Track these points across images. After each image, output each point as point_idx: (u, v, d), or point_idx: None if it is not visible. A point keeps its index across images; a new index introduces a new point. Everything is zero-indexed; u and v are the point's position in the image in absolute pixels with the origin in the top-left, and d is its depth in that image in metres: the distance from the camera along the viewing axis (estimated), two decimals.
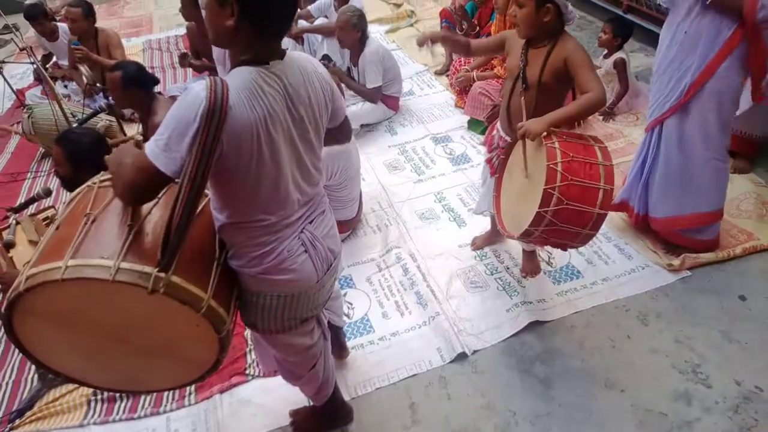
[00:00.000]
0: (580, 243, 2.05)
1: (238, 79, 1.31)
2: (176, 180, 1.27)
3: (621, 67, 3.82)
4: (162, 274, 1.33)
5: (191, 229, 1.33)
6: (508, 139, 2.33)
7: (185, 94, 1.27)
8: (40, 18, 4.83)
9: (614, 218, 3.00)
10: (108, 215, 1.44)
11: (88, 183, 1.58)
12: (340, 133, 1.74)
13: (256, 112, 1.30)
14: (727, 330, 2.38)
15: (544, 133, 1.96)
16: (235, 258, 1.53)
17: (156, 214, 1.44)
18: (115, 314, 1.42)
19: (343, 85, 3.90)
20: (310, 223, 1.59)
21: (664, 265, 2.68)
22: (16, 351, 2.63)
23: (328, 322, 2.07)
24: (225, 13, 1.31)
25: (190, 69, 5.27)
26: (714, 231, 2.69)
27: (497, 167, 2.36)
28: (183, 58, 4.66)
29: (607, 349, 2.37)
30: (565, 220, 1.93)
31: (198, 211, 1.50)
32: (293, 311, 1.62)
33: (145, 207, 1.44)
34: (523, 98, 2.18)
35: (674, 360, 2.29)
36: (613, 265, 2.74)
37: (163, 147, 1.26)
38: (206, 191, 1.44)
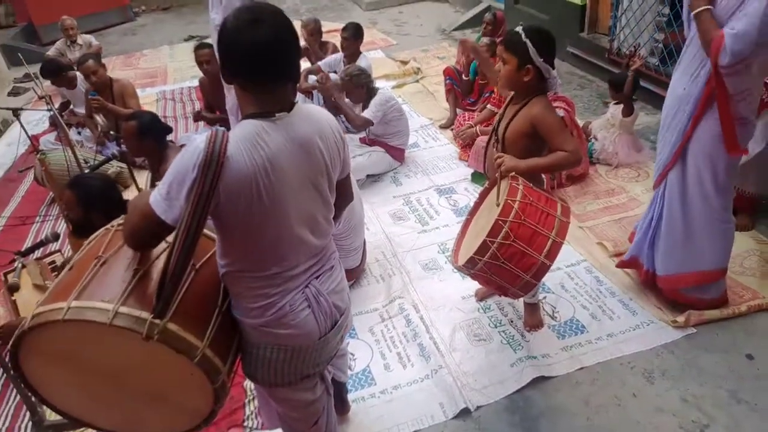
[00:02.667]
0: (521, 290, 2.09)
1: (240, 131, 1.35)
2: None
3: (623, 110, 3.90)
4: (157, 321, 1.33)
5: (196, 276, 1.35)
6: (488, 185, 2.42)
7: (188, 146, 1.32)
8: (57, 75, 5.02)
9: (619, 274, 3.00)
10: (118, 258, 1.47)
11: (107, 226, 1.62)
12: (338, 194, 1.65)
13: (256, 163, 1.32)
14: (735, 390, 2.34)
15: (513, 174, 2.08)
16: (237, 308, 1.52)
17: (163, 258, 1.45)
18: (113, 357, 1.43)
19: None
20: (317, 278, 1.56)
21: (669, 321, 2.66)
22: (12, 398, 2.61)
23: (332, 378, 2.03)
24: (224, 72, 1.40)
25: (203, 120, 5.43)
26: (718, 289, 2.68)
27: (472, 210, 2.45)
28: (197, 114, 4.83)
29: (613, 408, 2.32)
30: (509, 258, 1.97)
31: (206, 258, 1.53)
32: (294, 366, 1.58)
33: (155, 252, 1.46)
34: (495, 149, 2.31)
35: (681, 420, 2.24)
36: (617, 321, 2.72)
37: (165, 195, 1.31)
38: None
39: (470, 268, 2.09)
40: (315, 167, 1.47)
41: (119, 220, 1.61)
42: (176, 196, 1.29)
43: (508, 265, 1.97)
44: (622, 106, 3.96)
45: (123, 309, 1.33)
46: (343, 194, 1.69)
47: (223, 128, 1.32)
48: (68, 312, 1.32)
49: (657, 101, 4.75)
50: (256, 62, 1.35)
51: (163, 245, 1.46)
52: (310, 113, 1.49)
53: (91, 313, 1.33)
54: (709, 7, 2.15)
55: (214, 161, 1.25)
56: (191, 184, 1.26)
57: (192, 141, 1.31)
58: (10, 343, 1.40)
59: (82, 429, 2.39)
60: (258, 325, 1.50)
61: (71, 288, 1.39)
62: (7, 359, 1.53)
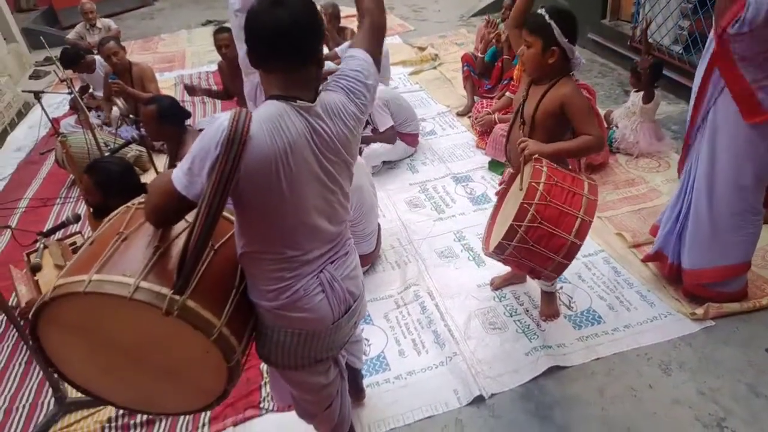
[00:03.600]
0: (553, 271, 2.07)
1: (263, 112, 1.36)
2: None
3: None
4: (177, 297, 1.35)
5: (215, 257, 1.35)
6: (512, 171, 2.39)
7: (211, 124, 1.32)
8: (77, 63, 5.06)
9: (637, 265, 2.98)
10: (139, 235, 1.48)
11: (127, 204, 1.63)
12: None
13: (277, 145, 1.33)
14: (754, 384, 2.31)
15: (536, 156, 2.06)
16: (252, 290, 1.53)
17: (183, 237, 1.47)
18: (131, 332, 1.44)
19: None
20: (331, 263, 1.57)
21: (687, 313, 2.63)
22: (36, 374, 2.67)
23: (346, 364, 2.05)
24: (249, 57, 1.41)
25: (220, 103, 5.45)
26: (740, 283, 2.63)
27: (500, 196, 2.44)
28: (189, 89, 4.67)
29: (629, 399, 2.31)
30: (537, 240, 1.95)
31: (224, 239, 1.54)
32: (307, 350, 1.60)
33: (176, 230, 1.48)
34: (521, 131, 2.28)
35: (698, 412, 2.23)
36: (635, 312, 2.70)
37: (186, 172, 1.32)
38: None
39: (500, 254, 2.08)
40: (333, 154, 1.47)
41: (140, 199, 1.63)
42: (198, 172, 1.30)
43: (538, 247, 1.96)
44: (642, 93, 3.89)
45: (144, 284, 1.34)
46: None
47: (246, 108, 1.33)
48: (89, 285, 1.34)
49: (679, 90, 4.67)
50: (278, 44, 1.36)
51: (183, 224, 1.47)
52: (331, 101, 1.48)
53: (111, 287, 1.34)
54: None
55: (237, 139, 1.26)
56: (214, 161, 1.27)
57: (215, 120, 1.31)
58: (31, 313, 1.42)
59: (102, 407, 2.46)
60: (273, 308, 1.51)
61: (92, 262, 1.40)
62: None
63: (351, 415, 2.02)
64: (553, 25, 2.07)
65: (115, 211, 1.63)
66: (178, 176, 1.33)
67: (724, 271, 2.55)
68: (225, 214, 1.59)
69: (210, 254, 1.48)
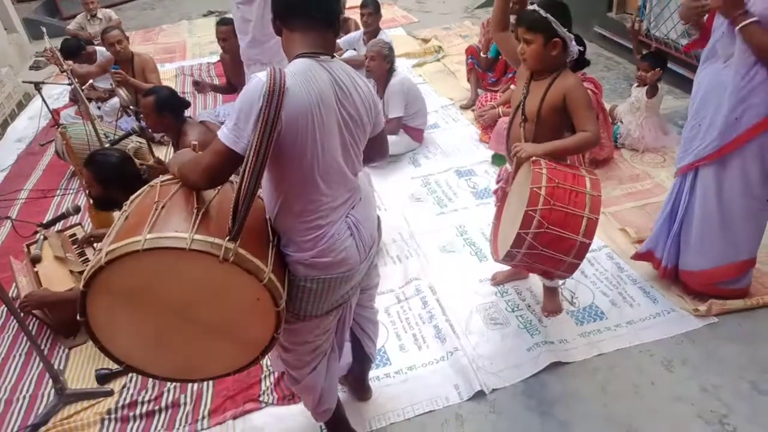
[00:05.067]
0: (566, 271, 2.07)
1: (294, 67, 1.48)
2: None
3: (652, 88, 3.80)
4: (231, 244, 1.42)
5: (251, 212, 1.44)
6: (511, 169, 2.37)
7: (249, 83, 1.43)
8: (77, 54, 5.04)
9: (640, 261, 2.95)
10: (175, 203, 1.55)
11: (150, 183, 1.69)
12: (372, 148, 1.77)
13: (311, 95, 1.44)
14: (757, 381, 2.30)
15: (534, 158, 2.05)
16: (288, 245, 1.61)
17: (217, 200, 1.57)
18: (183, 289, 1.49)
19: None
20: (353, 208, 1.68)
21: (691, 310, 2.62)
22: (36, 365, 2.67)
23: (362, 351, 2.12)
24: (273, 23, 1.59)
25: (221, 95, 5.42)
26: (748, 280, 2.61)
27: (500, 197, 2.42)
28: (197, 84, 4.68)
29: (630, 395, 2.30)
30: (547, 245, 1.94)
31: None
32: (333, 295, 1.69)
33: (209, 194, 1.57)
34: (522, 129, 2.25)
35: (700, 409, 2.21)
36: (638, 308, 2.68)
37: (233, 128, 1.43)
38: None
39: (510, 261, 2.09)
40: (352, 110, 1.58)
41: (162, 177, 1.68)
42: (244, 126, 1.41)
43: (548, 251, 1.96)
44: (645, 88, 3.85)
45: (197, 236, 1.41)
46: (378, 147, 1.82)
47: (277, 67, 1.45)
48: (146, 242, 1.39)
49: (685, 84, 4.63)
50: (305, 3, 1.52)
51: (213, 191, 1.58)
52: (347, 67, 1.61)
53: (168, 242, 1.40)
54: (757, 18, 2.02)
55: (276, 91, 1.37)
56: (258, 113, 1.37)
57: (252, 78, 1.42)
58: (81, 283, 1.43)
59: (102, 399, 2.46)
60: (310, 257, 1.59)
61: (139, 227, 1.44)
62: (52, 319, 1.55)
63: (337, 392, 2.06)
64: (550, 18, 2.07)
65: (140, 191, 1.68)
66: (226, 134, 1.43)
67: (735, 267, 2.51)
68: None
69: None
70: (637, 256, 2.83)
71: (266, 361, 2.55)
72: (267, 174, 1.53)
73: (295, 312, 1.69)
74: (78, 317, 1.47)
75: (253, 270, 1.45)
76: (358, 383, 2.31)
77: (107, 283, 1.44)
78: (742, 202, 2.38)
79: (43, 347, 2.75)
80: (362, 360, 2.21)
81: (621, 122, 4.03)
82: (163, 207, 1.52)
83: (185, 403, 2.42)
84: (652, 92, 3.81)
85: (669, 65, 4.27)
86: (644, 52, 4.09)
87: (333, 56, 1.58)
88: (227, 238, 1.43)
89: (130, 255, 1.39)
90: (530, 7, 2.14)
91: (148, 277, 1.45)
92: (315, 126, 1.46)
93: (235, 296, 1.51)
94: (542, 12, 2.08)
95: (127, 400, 2.44)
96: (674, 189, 2.60)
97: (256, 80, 1.40)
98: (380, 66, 4.00)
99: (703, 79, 2.36)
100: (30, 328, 2.83)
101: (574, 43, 2.15)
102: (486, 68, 4.87)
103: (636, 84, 4.01)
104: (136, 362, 1.64)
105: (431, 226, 3.45)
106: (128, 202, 1.66)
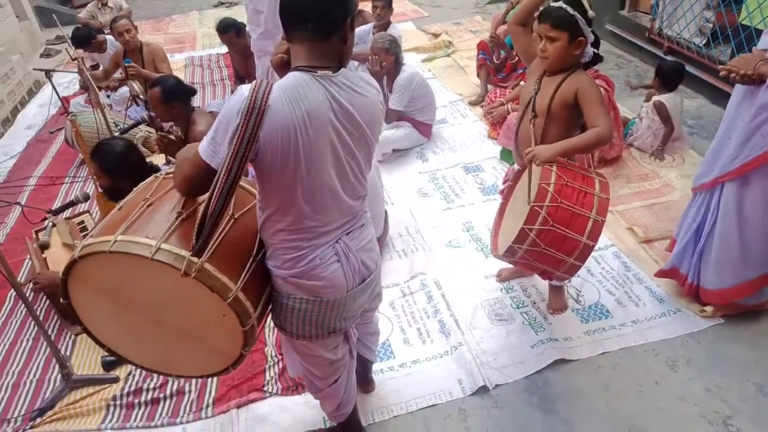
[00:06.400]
0: (566, 273, 2.04)
1: (284, 82, 1.40)
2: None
3: (659, 108, 3.77)
4: (195, 259, 1.40)
5: (234, 225, 1.43)
6: (518, 167, 2.36)
7: (234, 95, 1.37)
8: (88, 42, 5.05)
9: (647, 260, 2.95)
10: (164, 201, 1.55)
11: (156, 174, 1.70)
12: None
13: (295, 114, 1.35)
14: (762, 383, 2.29)
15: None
16: (271, 258, 1.57)
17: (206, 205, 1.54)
18: (152, 292, 1.50)
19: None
20: (347, 234, 1.61)
21: (696, 310, 2.61)
22: (43, 351, 2.69)
23: (359, 355, 2.08)
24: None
25: (230, 86, 5.43)
26: (766, 295, 2.53)
27: (506, 196, 2.40)
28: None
29: (634, 394, 2.30)
30: (550, 243, 1.92)
31: (245, 210, 1.61)
32: (321, 319, 1.63)
33: (200, 199, 1.52)
34: (532, 125, 2.22)
35: (703, 410, 2.21)
36: (643, 308, 2.68)
37: (210, 141, 1.39)
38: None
39: (510, 257, 2.06)
40: (353, 128, 1.48)
41: (168, 168, 1.69)
42: (221, 141, 1.36)
43: (550, 250, 1.93)
44: (651, 104, 3.80)
45: (165, 246, 1.41)
46: None
47: (268, 79, 1.40)
48: (114, 244, 1.41)
49: (697, 85, 4.60)
50: (300, 15, 1.40)
51: (208, 193, 1.53)
52: (354, 77, 1.50)
53: (135, 247, 1.41)
54: None
55: (256, 108, 1.31)
56: (234, 130, 1.32)
57: (238, 91, 1.37)
58: (62, 271, 1.51)
59: (107, 386, 2.49)
60: (289, 276, 1.55)
61: (118, 225, 1.47)
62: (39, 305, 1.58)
63: (355, 394, 2.04)
64: (577, 15, 2.04)
65: (145, 181, 1.70)
66: (204, 147, 1.40)
67: (751, 284, 2.45)
68: (247, 186, 1.67)
69: (230, 222, 1.54)
70: (661, 274, 2.73)
71: (271, 351, 2.56)
72: (258, 183, 1.48)
73: (286, 330, 1.68)
74: (61, 300, 1.56)
75: (217, 288, 1.42)
76: (360, 376, 2.32)
77: (83, 274, 1.51)
78: (761, 218, 2.31)
79: (50, 333, 2.78)
80: (363, 361, 2.21)
81: (639, 119, 3.97)
82: (149, 205, 1.53)
83: (190, 391, 2.43)
84: (660, 155, 3.79)
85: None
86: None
87: (339, 67, 1.45)
88: (191, 253, 1.40)
89: (99, 254, 1.43)
90: (555, 4, 2.08)
91: (117, 276, 1.49)
92: (299, 146, 1.37)
93: (201, 309, 1.49)
94: (570, 9, 2.04)
95: (132, 387, 2.46)
96: (700, 205, 2.50)
97: (239, 95, 1.34)
98: (386, 60, 3.99)
99: (738, 92, 2.27)
100: (38, 313, 2.86)
101: (590, 44, 2.13)
102: (498, 68, 4.84)
103: (645, 100, 3.97)
104: (117, 348, 1.68)
105: (438, 221, 3.45)
106: (135, 188, 1.68)
